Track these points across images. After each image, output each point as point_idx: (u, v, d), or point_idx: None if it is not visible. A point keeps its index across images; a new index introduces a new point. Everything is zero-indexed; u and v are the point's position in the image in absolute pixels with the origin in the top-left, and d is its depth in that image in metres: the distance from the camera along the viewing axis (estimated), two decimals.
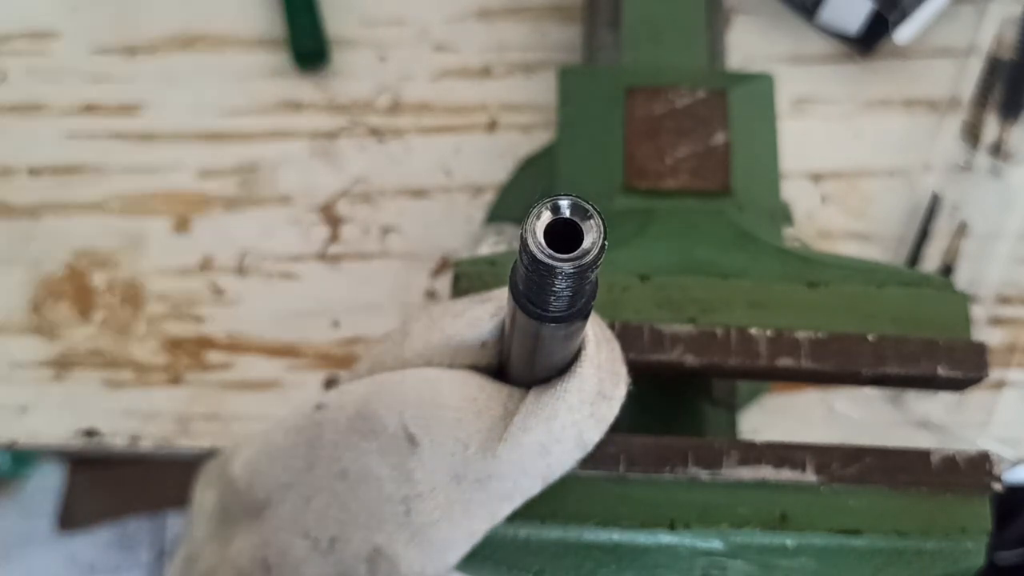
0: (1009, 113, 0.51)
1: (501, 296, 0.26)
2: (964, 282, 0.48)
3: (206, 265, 0.49)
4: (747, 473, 0.27)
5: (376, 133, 0.51)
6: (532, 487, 0.25)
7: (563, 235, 0.18)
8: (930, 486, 0.27)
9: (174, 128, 0.52)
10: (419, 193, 0.50)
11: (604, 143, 0.37)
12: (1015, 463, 0.46)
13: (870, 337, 0.29)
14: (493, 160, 0.51)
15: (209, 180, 0.51)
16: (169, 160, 0.51)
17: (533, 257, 0.18)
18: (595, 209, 0.18)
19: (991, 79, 0.52)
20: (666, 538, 0.27)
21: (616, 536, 0.27)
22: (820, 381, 0.31)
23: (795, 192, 0.50)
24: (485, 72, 0.52)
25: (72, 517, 1.24)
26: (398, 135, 0.51)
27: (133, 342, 0.48)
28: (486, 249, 0.44)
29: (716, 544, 0.27)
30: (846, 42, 0.53)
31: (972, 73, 0.52)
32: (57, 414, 0.47)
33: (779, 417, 0.46)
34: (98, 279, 0.49)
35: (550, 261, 0.18)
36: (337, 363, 0.48)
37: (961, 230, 0.49)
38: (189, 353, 0.48)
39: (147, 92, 0.52)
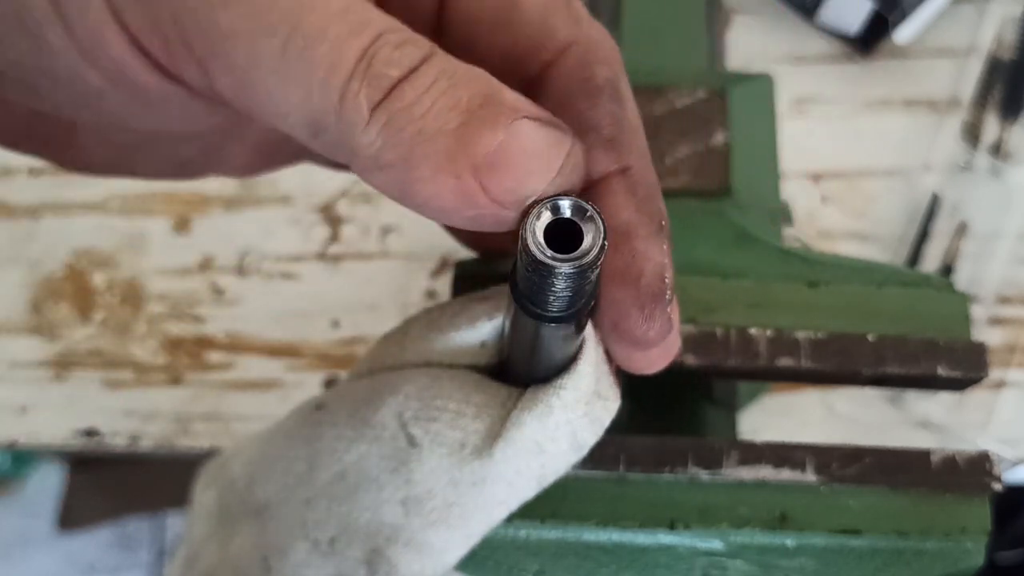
0: (1009, 113, 0.51)
1: (500, 295, 0.26)
2: (964, 282, 0.48)
3: (206, 265, 0.49)
4: (747, 473, 0.27)
5: None
6: (527, 490, 0.25)
7: (563, 235, 0.18)
8: (930, 486, 0.27)
9: None
10: None
11: None
12: (1015, 463, 0.46)
13: (870, 337, 0.29)
14: None
15: (209, 180, 0.51)
16: None
17: (533, 257, 0.18)
18: (595, 209, 0.18)
19: (991, 79, 0.52)
20: (666, 538, 0.27)
21: (616, 536, 0.27)
22: (820, 381, 0.31)
23: (795, 192, 0.50)
24: None
25: (72, 517, 1.24)
26: None
27: (133, 342, 0.48)
28: None
29: (716, 544, 0.27)
30: (846, 42, 0.53)
31: (972, 73, 0.52)
32: (57, 414, 0.47)
33: (779, 417, 0.46)
34: (98, 279, 0.49)
35: (550, 261, 0.18)
36: (337, 363, 0.48)
37: (961, 230, 0.49)
38: (189, 353, 0.48)
39: None
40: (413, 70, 0.18)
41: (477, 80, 0.19)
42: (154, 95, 0.20)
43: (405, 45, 0.18)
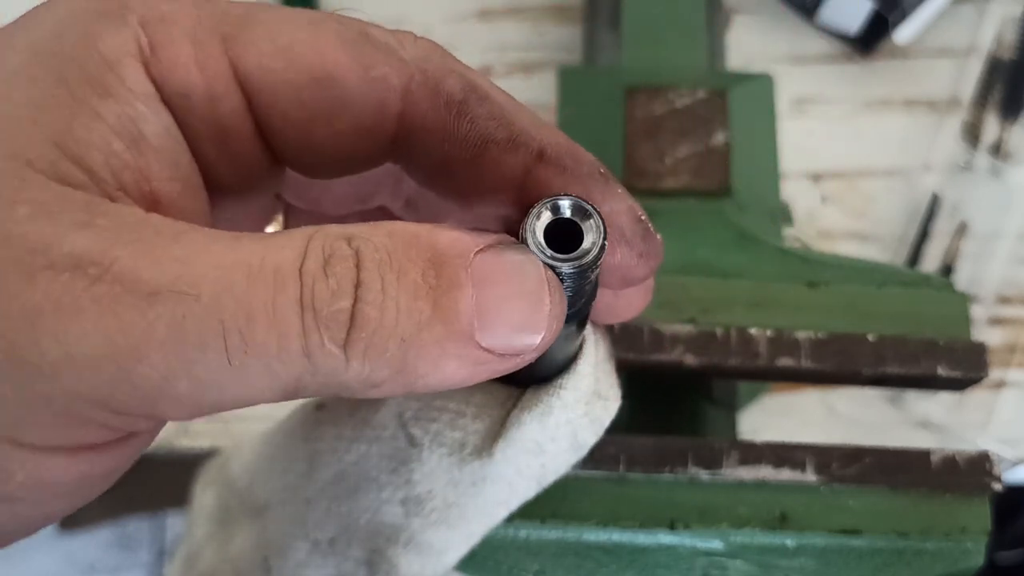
0: (1009, 113, 0.51)
1: None
2: (964, 282, 0.48)
3: None
4: (747, 473, 0.27)
5: None
6: (527, 490, 0.25)
7: (563, 235, 0.18)
8: (930, 486, 0.27)
9: None
10: None
11: (604, 143, 0.37)
12: (1015, 463, 0.46)
13: (870, 337, 0.29)
14: None
15: None
16: None
17: None
18: (595, 209, 0.18)
19: (991, 79, 0.52)
20: (666, 538, 0.27)
21: (616, 536, 0.27)
22: (820, 381, 0.31)
23: (795, 192, 0.50)
24: (485, 72, 0.52)
25: (72, 517, 1.24)
26: None
27: None
28: None
29: (716, 544, 0.27)
30: (846, 42, 0.53)
31: (972, 73, 0.52)
32: None
33: (779, 417, 0.46)
34: None
35: (550, 261, 0.18)
36: None
37: (961, 230, 0.49)
38: None
39: None
40: (357, 285, 0.16)
41: (414, 247, 0.17)
42: (117, 463, 0.18)
43: (332, 264, 0.16)
